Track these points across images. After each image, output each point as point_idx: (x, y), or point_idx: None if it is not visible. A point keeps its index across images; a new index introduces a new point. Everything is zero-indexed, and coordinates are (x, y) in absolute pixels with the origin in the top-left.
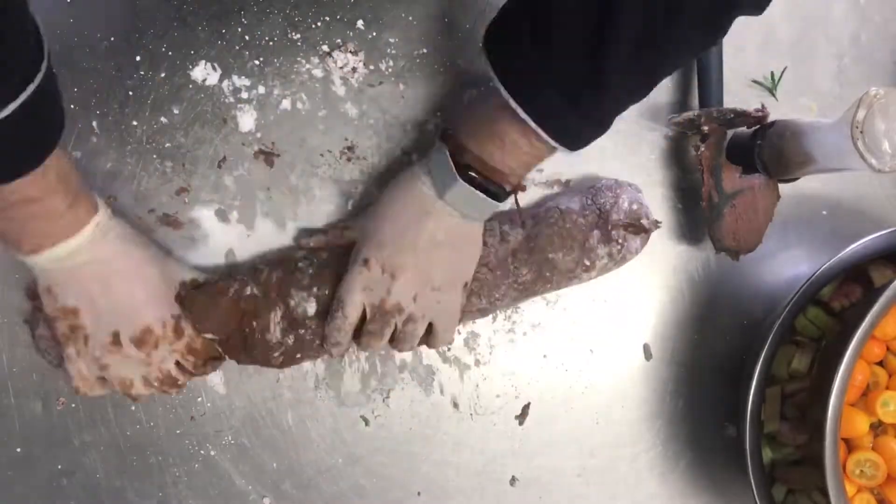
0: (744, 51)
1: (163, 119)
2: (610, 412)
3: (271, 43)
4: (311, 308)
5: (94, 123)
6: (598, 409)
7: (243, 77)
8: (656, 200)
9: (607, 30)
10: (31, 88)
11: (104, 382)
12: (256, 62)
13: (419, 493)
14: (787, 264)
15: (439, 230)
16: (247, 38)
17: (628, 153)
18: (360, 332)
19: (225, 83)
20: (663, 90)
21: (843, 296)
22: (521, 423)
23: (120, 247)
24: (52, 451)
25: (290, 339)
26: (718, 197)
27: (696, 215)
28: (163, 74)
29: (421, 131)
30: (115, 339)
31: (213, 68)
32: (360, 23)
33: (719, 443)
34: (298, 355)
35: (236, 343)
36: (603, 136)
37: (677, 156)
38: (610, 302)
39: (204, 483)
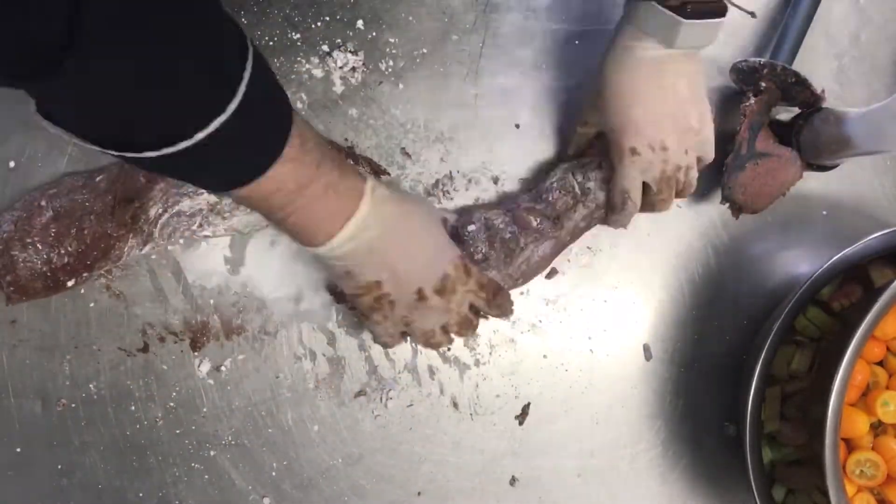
0: (745, 51)
1: None
2: (610, 412)
3: (271, 43)
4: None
5: None
6: (598, 409)
7: None
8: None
9: None
10: (248, 66)
11: (404, 336)
12: None
13: (419, 494)
14: (787, 264)
15: (679, 80)
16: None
17: None
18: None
19: None
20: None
21: (843, 296)
22: (521, 423)
23: (397, 207)
24: (52, 451)
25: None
26: (747, 151)
27: (696, 215)
28: None
29: (421, 131)
30: (421, 295)
31: None
32: (359, 23)
33: (719, 443)
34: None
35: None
36: None
37: None
38: (610, 302)
39: (204, 483)
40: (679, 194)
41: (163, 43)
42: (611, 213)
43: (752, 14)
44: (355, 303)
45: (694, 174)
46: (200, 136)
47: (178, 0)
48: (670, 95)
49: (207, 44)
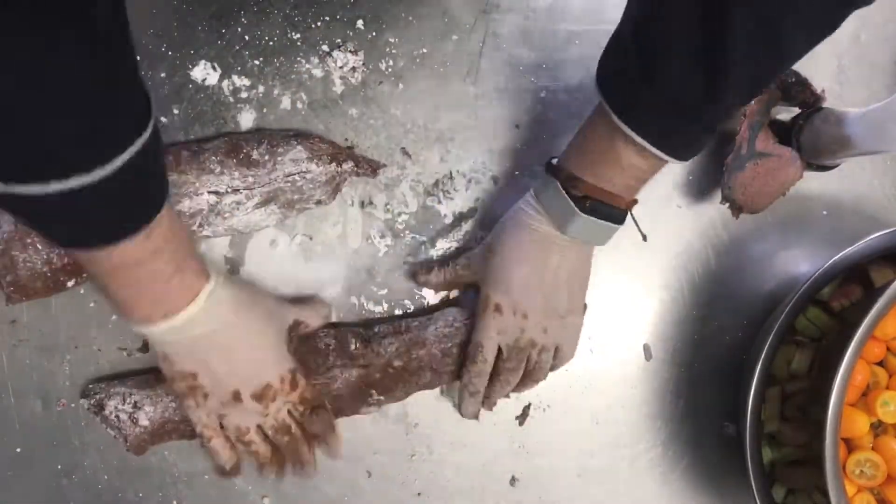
0: None
1: (163, 119)
2: (610, 412)
3: (271, 43)
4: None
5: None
6: (598, 409)
7: (243, 77)
8: (659, 201)
9: (719, 56)
10: (139, 142)
11: (220, 431)
12: (256, 62)
13: (419, 494)
14: (787, 264)
15: (562, 265)
16: (247, 38)
17: None
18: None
19: (225, 83)
20: None
21: (843, 296)
22: (521, 424)
23: (234, 313)
24: (52, 451)
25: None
26: (747, 151)
27: (695, 215)
28: (163, 74)
29: (421, 131)
30: (236, 396)
31: (213, 68)
32: (359, 23)
33: (719, 443)
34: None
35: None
36: None
37: None
38: (610, 302)
39: (204, 483)
40: (526, 377)
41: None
42: (465, 367)
43: (644, 237)
44: (169, 384)
45: (546, 360)
46: (74, 183)
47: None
48: (549, 275)
49: (106, 102)
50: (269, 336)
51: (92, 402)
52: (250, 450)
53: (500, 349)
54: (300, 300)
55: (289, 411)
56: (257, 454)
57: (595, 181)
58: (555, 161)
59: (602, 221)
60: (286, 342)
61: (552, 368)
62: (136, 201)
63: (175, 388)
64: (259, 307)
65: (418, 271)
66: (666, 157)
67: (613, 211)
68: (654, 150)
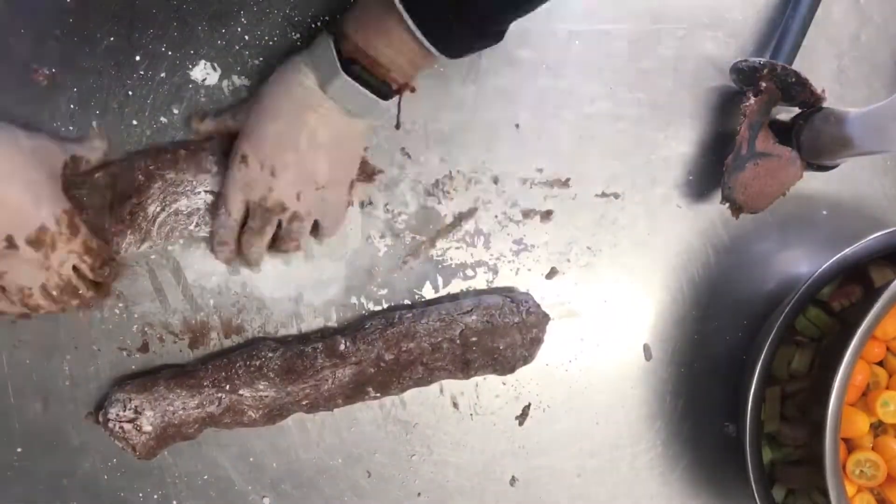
0: (746, 51)
1: (163, 119)
2: (610, 412)
3: (271, 43)
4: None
5: (94, 123)
6: (598, 409)
7: (243, 77)
8: (656, 200)
9: None
10: None
11: (3, 294)
12: (256, 62)
13: (419, 494)
14: (787, 264)
15: (321, 127)
16: (247, 38)
17: (628, 153)
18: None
19: (225, 83)
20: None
21: (843, 296)
22: (521, 424)
23: None
24: (52, 451)
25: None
26: (747, 151)
27: (696, 215)
28: (163, 74)
29: (421, 131)
30: (10, 243)
31: (213, 68)
32: None
33: (719, 443)
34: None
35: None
36: (601, 138)
37: (677, 156)
38: (610, 302)
39: (204, 483)
40: (277, 244)
41: None
42: (211, 217)
43: (398, 126)
44: None
45: (298, 230)
46: None
47: None
48: (305, 135)
49: None
50: (39, 173)
51: (99, 417)
52: (34, 309)
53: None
54: (73, 140)
55: (74, 267)
56: (40, 309)
57: (365, 46)
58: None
59: (363, 89)
60: (60, 180)
61: (317, 239)
62: None
63: None
64: (27, 142)
65: (192, 116)
66: (429, 46)
67: (380, 84)
68: (418, 34)
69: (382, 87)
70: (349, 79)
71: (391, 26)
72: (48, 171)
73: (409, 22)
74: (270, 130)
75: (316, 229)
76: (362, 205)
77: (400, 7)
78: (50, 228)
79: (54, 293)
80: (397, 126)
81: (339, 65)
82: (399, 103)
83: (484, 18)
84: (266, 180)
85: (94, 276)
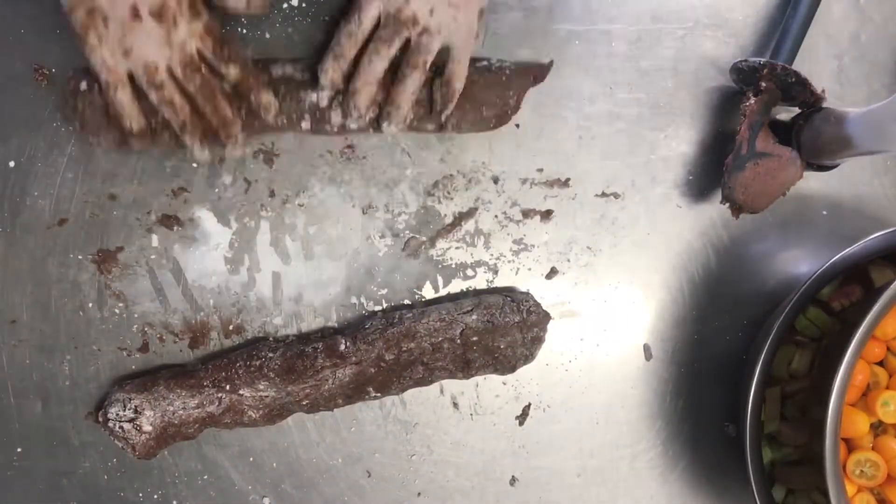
0: (746, 51)
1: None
2: (610, 412)
3: (271, 43)
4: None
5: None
6: (598, 409)
7: None
8: (656, 200)
9: None
10: None
11: (131, 81)
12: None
13: (419, 494)
14: (787, 264)
15: None
16: (247, 37)
17: (628, 153)
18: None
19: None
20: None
21: (843, 296)
22: (521, 424)
23: None
24: (52, 451)
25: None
26: (747, 151)
27: (696, 215)
28: None
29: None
30: (134, 13)
31: None
32: None
33: (719, 443)
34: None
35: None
36: (601, 138)
37: (677, 156)
38: (610, 302)
39: (204, 483)
40: (407, 64)
41: None
42: (339, 25)
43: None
44: (72, 22)
45: (427, 45)
46: None
47: None
48: None
49: None
50: None
51: (99, 417)
52: (163, 97)
53: (379, 21)
54: None
55: (198, 51)
56: (173, 103)
57: None
58: None
59: None
60: None
61: (446, 93)
62: None
63: (76, 21)
64: None
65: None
66: None
67: None
68: None
69: None
70: None
71: None
72: None
73: None
74: None
75: (443, 78)
76: (363, 205)
77: None
78: (170, 4)
79: (178, 70)
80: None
81: None
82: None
83: None
84: None
85: (215, 57)
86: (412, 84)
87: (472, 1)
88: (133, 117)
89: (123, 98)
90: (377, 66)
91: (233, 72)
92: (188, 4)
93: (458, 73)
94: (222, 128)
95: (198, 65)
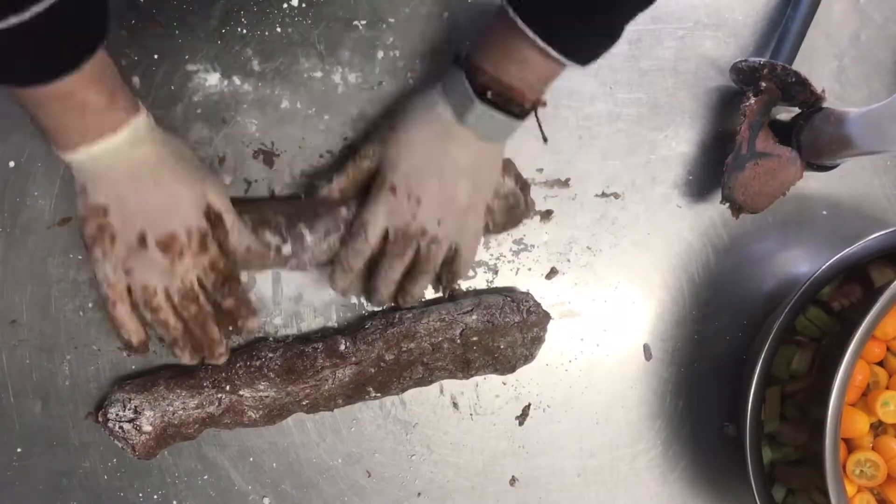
0: (746, 51)
1: (163, 119)
2: (610, 412)
3: (271, 43)
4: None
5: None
6: (598, 409)
7: (243, 77)
8: (656, 200)
9: None
10: None
11: (129, 295)
12: (256, 62)
13: (419, 494)
14: (787, 264)
15: (462, 155)
16: (247, 37)
17: (628, 153)
18: (371, 273)
19: (225, 83)
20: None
21: (843, 296)
22: (521, 424)
23: (158, 150)
24: (52, 451)
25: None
26: (747, 151)
27: (696, 215)
28: (163, 74)
29: None
30: (142, 241)
31: (213, 68)
32: (360, 23)
33: (719, 443)
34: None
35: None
36: (601, 138)
37: (677, 156)
38: (610, 302)
39: (204, 483)
40: (415, 270)
41: None
42: (347, 242)
43: (545, 140)
44: (82, 232)
45: (436, 253)
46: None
47: None
48: (448, 163)
49: None
50: (187, 187)
51: (99, 417)
52: (158, 318)
53: (387, 234)
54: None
55: (199, 280)
56: (166, 324)
57: (496, 73)
58: (463, 52)
59: (498, 114)
60: (204, 207)
61: (454, 273)
62: (76, 37)
63: (86, 232)
64: (186, 161)
65: (321, 187)
66: (559, 56)
67: (514, 106)
68: (546, 47)
69: (517, 109)
70: (486, 107)
71: (518, 48)
72: (197, 192)
73: (537, 39)
74: (415, 161)
75: (451, 263)
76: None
77: (523, 26)
78: (180, 238)
79: (176, 298)
80: (545, 140)
81: (474, 96)
82: (537, 118)
83: (608, 17)
84: (411, 208)
85: (214, 289)
86: (423, 282)
87: (478, 204)
88: (132, 331)
89: (122, 313)
90: (393, 274)
91: (228, 303)
92: (198, 241)
93: (464, 269)
94: (209, 347)
95: (195, 294)
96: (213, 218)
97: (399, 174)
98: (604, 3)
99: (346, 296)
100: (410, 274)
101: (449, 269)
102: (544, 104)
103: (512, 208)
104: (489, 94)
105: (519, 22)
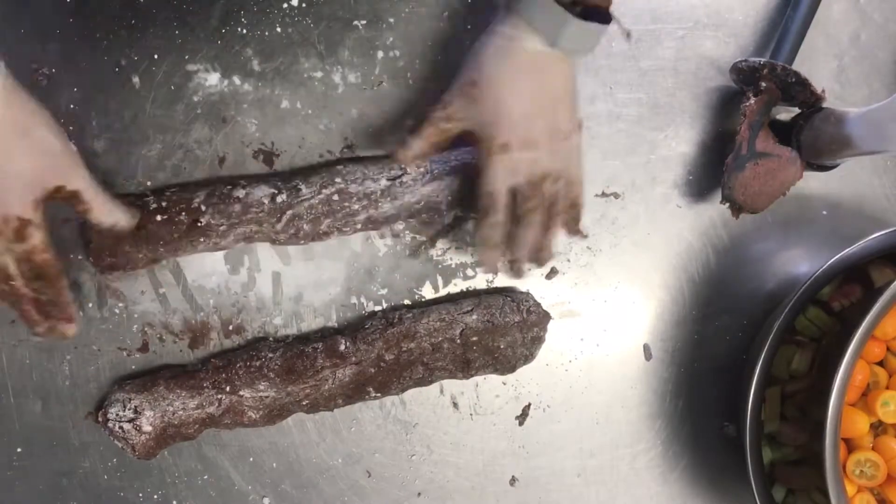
0: (746, 51)
1: (163, 119)
2: (610, 412)
3: (271, 43)
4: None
5: (94, 123)
6: (598, 409)
7: (243, 77)
8: (656, 200)
9: None
10: None
11: None
12: (256, 62)
13: (419, 494)
14: (787, 264)
15: (556, 80)
16: (247, 37)
17: (628, 153)
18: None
19: (225, 83)
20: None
21: (843, 296)
22: (521, 424)
23: (2, 119)
24: (52, 451)
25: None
26: (747, 151)
27: (696, 215)
28: (163, 74)
29: None
30: None
31: (213, 68)
32: (359, 23)
33: (719, 443)
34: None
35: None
36: (601, 138)
37: (677, 156)
38: (610, 302)
39: (204, 483)
40: (549, 215)
41: None
42: (479, 220)
43: (628, 35)
44: None
45: (560, 189)
46: None
47: None
48: (546, 93)
49: None
50: (20, 166)
51: (99, 417)
52: None
53: (513, 193)
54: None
55: (18, 261)
56: None
57: None
58: None
59: (593, 24)
60: (41, 191)
61: (576, 213)
62: None
63: None
64: (38, 127)
65: (398, 149)
66: None
67: (601, 11)
68: None
69: (604, 13)
70: (582, 21)
71: None
72: (34, 177)
73: None
74: (517, 109)
75: (572, 200)
76: None
77: None
78: None
79: None
80: (628, 35)
81: (568, 13)
82: (614, 16)
83: None
84: (529, 157)
85: (29, 284)
86: (555, 228)
87: (576, 121)
88: None
89: None
90: (534, 233)
91: (42, 300)
92: (14, 229)
93: (581, 194)
94: (28, 323)
95: (6, 275)
96: (68, 197)
97: (505, 128)
98: None
99: (496, 273)
100: (547, 226)
101: (572, 204)
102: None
103: None
104: (578, 7)
105: None
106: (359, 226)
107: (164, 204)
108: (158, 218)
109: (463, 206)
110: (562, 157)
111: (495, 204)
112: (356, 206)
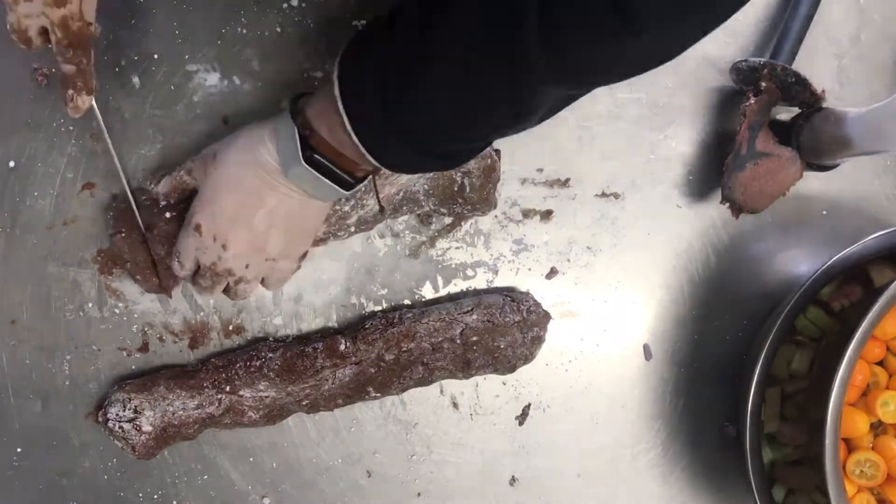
0: (746, 51)
1: (163, 119)
2: (610, 412)
3: (271, 43)
4: None
5: (94, 123)
6: (598, 409)
7: (243, 77)
8: (656, 200)
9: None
10: None
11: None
12: (256, 62)
13: (419, 494)
14: (787, 264)
15: (279, 209)
16: (247, 37)
17: (628, 153)
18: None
19: (225, 83)
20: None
21: (843, 296)
22: (521, 424)
23: None
24: (52, 451)
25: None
26: (747, 151)
27: (696, 215)
28: (163, 74)
29: None
30: None
31: (213, 68)
32: (359, 23)
33: (719, 443)
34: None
35: None
36: (601, 138)
37: (677, 156)
38: (610, 302)
39: (204, 483)
40: (224, 292)
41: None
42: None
43: (381, 210)
44: None
45: (244, 290)
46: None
47: None
48: (262, 215)
49: None
50: None
51: (98, 417)
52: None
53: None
54: None
55: (52, 26)
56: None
57: (328, 138)
58: (301, 100)
59: (326, 180)
60: None
61: (266, 286)
62: None
63: None
64: None
65: (152, 180)
66: (365, 153)
67: (342, 175)
68: (354, 138)
69: (345, 179)
70: (310, 169)
71: (339, 124)
72: None
73: (347, 125)
74: (227, 205)
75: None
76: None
77: (341, 108)
78: None
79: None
80: (381, 210)
81: (300, 155)
82: (374, 187)
83: (421, 136)
84: (217, 250)
85: (57, 52)
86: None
87: (291, 253)
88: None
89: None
90: (207, 296)
91: (67, 68)
92: None
93: (271, 288)
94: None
95: (28, 38)
96: None
97: (207, 215)
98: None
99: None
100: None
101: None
102: (378, 171)
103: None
104: (318, 157)
105: (336, 88)
106: (352, 228)
107: (171, 201)
108: (168, 215)
109: (437, 195)
110: (257, 271)
111: (177, 261)
112: (346, 208)
